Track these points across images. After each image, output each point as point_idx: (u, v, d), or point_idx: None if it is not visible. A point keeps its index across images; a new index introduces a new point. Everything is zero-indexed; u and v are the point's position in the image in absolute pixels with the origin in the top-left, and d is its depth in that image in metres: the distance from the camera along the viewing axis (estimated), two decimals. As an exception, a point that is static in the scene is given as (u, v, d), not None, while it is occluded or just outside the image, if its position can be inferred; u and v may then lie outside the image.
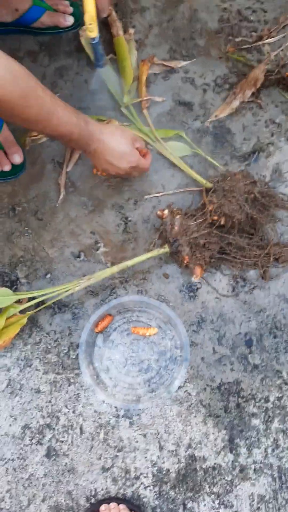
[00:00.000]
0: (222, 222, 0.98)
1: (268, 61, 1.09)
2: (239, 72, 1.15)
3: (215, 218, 0.98)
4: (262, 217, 1.00)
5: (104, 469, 0.90)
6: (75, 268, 1.02)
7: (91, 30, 0.86)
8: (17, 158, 1.07)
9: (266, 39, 1.14)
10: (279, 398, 0.93)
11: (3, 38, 1.18)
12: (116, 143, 0.91)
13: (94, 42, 0.89)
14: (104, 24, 1.17)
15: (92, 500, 0.89)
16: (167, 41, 1.18)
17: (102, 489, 0.89)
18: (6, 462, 0.91)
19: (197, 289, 1.00)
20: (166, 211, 1.00)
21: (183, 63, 1.16)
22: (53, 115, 0.79)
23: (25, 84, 0.72)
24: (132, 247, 1.03)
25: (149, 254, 0.98)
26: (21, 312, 0.95)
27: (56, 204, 1.06)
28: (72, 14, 1.17)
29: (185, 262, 0.97)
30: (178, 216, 0.99)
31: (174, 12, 1.21)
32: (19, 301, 0.95)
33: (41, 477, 0.90)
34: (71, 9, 1.17)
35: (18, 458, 0.91)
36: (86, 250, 1.03)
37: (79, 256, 1.03)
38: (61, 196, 1.06)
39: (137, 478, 0.90)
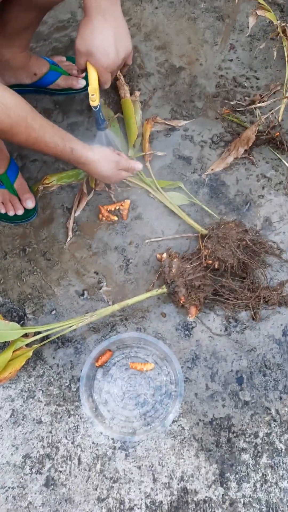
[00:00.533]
0: (216, 266, 1.06)
1: (259, 123, 1.21)
2: (233, 132, 1.27)
3: (210, 262, 1.06)
4: (253, 262, 1.08)
5: (100, 500, 0.94)
6: (78, 306, 1.10)
7: (93, 100, 0.98)
8: (30, 204, 1.17)
9: (258, 103, 1.26)
10: (267, 434, 0.98)
11: (23, 97, 1.31)
12: (101, 169, 1.01)
13: (95, 109, 1.01)
14: (113, 87, 1.31)
15: (87, 531, 0.92)
16: (169, 102, 1.31)
17: (97, 520, 0.93)
18: (6, 490, 0.95)
19: (192, 328, 1.07)
20: (164, 255, 1.09)
21: (183, 122, 1.28)
22: (40, 142, 0.88)
23: (15, 115, 0.81)
24: (133, 287, 1.11)
25: (148, 294, 1.06)
26: (27, 345, 1.02)
27: (63, 245, 1.15)
28: (84, 78, 1.31)
29: (181, 302, 1.05)
30: (175, 260, 1.08)
31: (176, 78, 1.35)
32: (25, 335, 1.02)
33: (39, 506, 0.94)
34: (83, 74, 1.31)
35: (18, 486, 0.95)
36: (89, 289, 1.12)
37: (83, 295, 1.11)
38: (68, 239, 1.16)
39: (131, 509, 0.93)
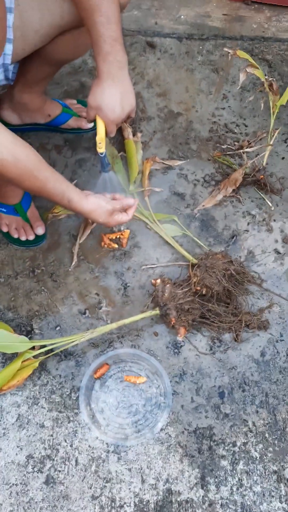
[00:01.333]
0: (204, 292, 1.20)
1: (246, 166, 1.37)
2: (223, 172, 1.43)
3: (198, 288, 1.20)
4: (236, 290, 1.22)
5: (94, 497, 1.06)
6: (80, 323, 1.23)
7: (100, 147, 1.12)
8: (40, 230, 1.31)
9: (246, 148, 1.43)
10: (244, 444, 1.11)
11: (36, 134, 1.47)
12: (96, 218, 1.11)
13: (102, 155, 1.16)
14: (118, 129, 1.47)
15: (82, 525, 1.03)
16: (167, 144, 1.48)
17: (91, 515, 1.04)
18: (10, 487, 1.06)
19: (181, 346, 1.21)
20: (159, 280, 1.23)
21: (179, 162, 1.44)
22: (42, 191, 1.00)
23: (23, 166, 0.94)
24: (129, 308, 1.25)
25: (143, 315, 1.20)
26: (34, 357, 1.14)
27: (69, 268, 1.29)
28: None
29: (172, 323, 1.19)
30: (168, 285, 1.22)
31: (174, 122, 1.51)
32: (33, 348, 1.15)
33: (40, 501, 1.05)
34: (92, 123, 1.47)
35: (20, 483, 1.07)
36: (90, 308, 1.25)
37: (84, 313, 1.24)
38: (73, 263, 1.30)
39: (121, 506, 1.05)
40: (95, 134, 1.47)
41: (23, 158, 0.95)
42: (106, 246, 1.32)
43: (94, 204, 1.09)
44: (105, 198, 1.13)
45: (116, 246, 1.32)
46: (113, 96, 1.04)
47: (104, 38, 0.98)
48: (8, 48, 1.05)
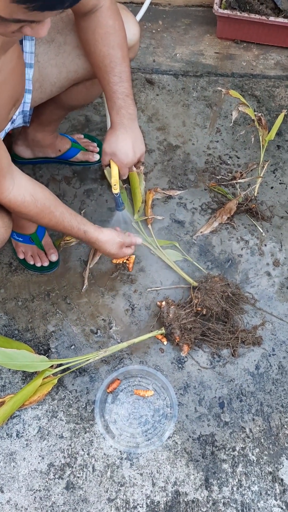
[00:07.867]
0: (204, 313, 1.34)
1: (240, 197, 1.51)
2: (218, 201, 1.57)
3: (199, 309, 1.34)
4: (233, 310, 1.36)
5: (110, 500, 1.18)
6: (93, 342, 1.35)
7: (115, 189, 1.25)
8: (54, 257, 1.43)
9: (239, 179, 1.57)
10: (243, 448, 1.24)
11: (47, 166, 1.60)
12: (109, 249, 1.24)
13: (116, 196, 1.29)
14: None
15: (100, 525, 1.15)
16: (167, 175, 1.61)
17: (108, 516, 1.17)
18: (34, 492, 1.18)
19: (184, 362, 1.34)
20: (164, 302, 1.36)
21: (178, 192, 1.58)
22: (59, 225, 1.13)
23: (41, 205, 1.06)
24: (137, 327, 1.38)
25: (150, 334, 1.33)
26: (53, 374, 1.26)
27: (80, 292, 1.42)
28: (98, 153, 1.60)
29: (177, 341, 1.32)
30: (172, 306, 1.35)
31: (172, 154, 1.65)
32: (51, 366, 1.27)
33: (61, 505, 1.17)
34: (97, 149, 1.61)
35: (43, 489, 1.19)
36: (101, 328, 1.38)
37: (96, 333, 1.37)
38: (84, 286, 1.42)
39: (134, 507, 1.17)
40: (100, 166, 1.61)
41: (42, 198, 1.08)
42: (117, 262, 1.44)
43: (108, 235, 1.23)
44: (116, 232, 1.26)
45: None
46: (126, 143, 1.17)
47: (118, 95, 1.12)
48: (28, 97, 1.18)
